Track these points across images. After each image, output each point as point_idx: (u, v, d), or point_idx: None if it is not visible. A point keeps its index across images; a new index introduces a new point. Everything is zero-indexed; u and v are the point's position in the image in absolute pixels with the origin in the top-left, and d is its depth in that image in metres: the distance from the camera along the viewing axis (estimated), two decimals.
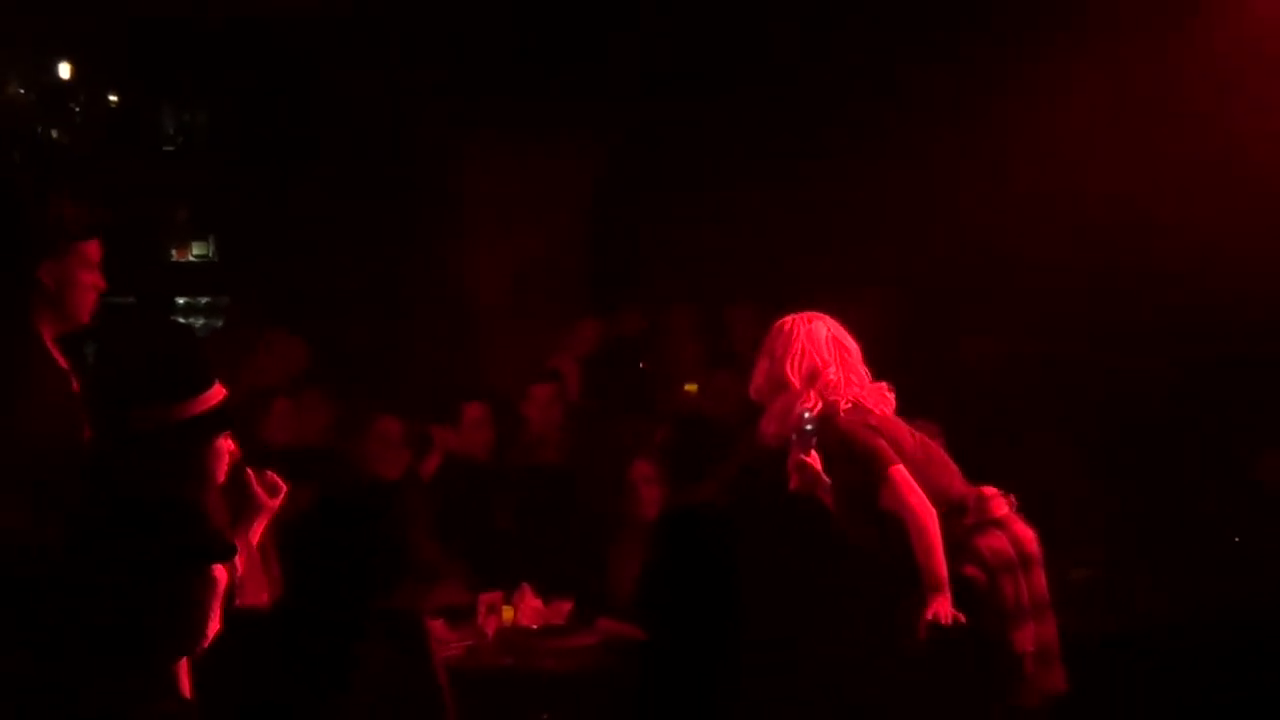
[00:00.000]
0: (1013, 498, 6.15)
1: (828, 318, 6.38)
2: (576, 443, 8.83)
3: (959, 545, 5.99)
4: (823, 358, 6.26)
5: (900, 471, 6.07)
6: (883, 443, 6.12)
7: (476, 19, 10.26)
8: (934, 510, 6.00)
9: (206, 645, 4.66)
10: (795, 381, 6.23)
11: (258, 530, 6.06)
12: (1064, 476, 7.95)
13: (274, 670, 4.60)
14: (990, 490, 6.13)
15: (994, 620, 5.89)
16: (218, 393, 5.64)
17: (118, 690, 4.64)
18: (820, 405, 6.16)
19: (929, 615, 5.83)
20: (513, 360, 9.81)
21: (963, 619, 5.81)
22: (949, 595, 5.87)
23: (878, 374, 6.48)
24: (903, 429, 6.23)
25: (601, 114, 10.65)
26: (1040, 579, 6.06)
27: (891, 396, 6.31)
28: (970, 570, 5.94)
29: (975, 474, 6.74)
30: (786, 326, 6.37)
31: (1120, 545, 7.72)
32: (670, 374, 9.43)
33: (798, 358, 6.28)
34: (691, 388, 9.24)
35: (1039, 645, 5.98)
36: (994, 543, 6.00)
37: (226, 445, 5.74)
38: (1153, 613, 7.25)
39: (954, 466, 6.25)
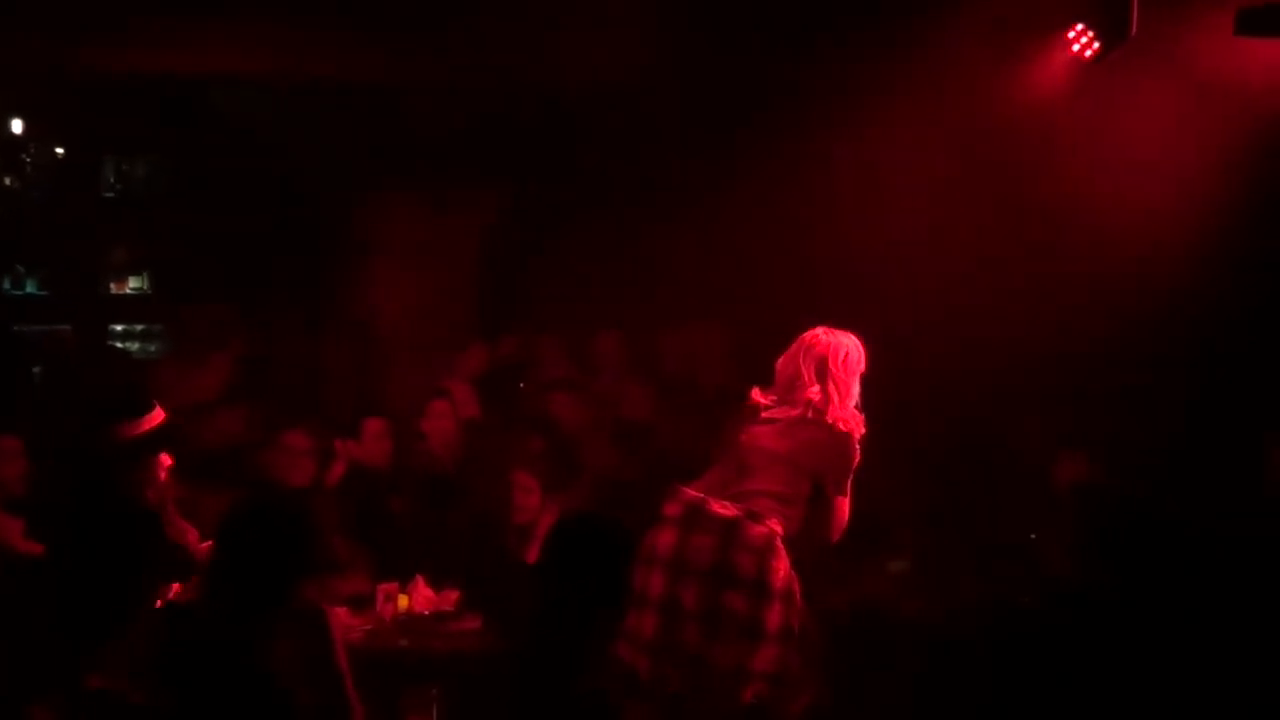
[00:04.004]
0: (723, 506, 5.73)
1: (818, 335, 5.96)
2: (465, 452, 8.76)
3: None
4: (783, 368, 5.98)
5: None
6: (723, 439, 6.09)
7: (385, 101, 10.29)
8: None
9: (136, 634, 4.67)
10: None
11: None
12: (882, 478, 7.94)
13: (192, 658, 4.55)
14: (684, 491, 5.85)
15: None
16: (157, 415, 5.67)
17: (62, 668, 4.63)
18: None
19: None
20: (411, 382, 9.80)
21: None
22: None
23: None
24: (751, 438, 5.89)
25: (486, 176, 10.69)
26: (690, 589, 5.64)
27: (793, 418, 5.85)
28: None
29: None
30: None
31: (931, 539, 7.60)
32: (543, 394, 9.42)
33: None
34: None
35: (653, 636, 5.64)
36: (656, 538, 5.73)
37: (165, 460, 5.75)
38: (960, 599, 7.09)
39: (750, 483, 5.83)
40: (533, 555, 7.25)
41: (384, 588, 7.17)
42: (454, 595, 7.27)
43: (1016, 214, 8.52)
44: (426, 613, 7.15)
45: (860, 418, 5.86)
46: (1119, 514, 5.79)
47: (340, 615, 6.58)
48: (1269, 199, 7.92)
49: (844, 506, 5.84)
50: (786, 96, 9.20)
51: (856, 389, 5.92)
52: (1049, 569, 6.91)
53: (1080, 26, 8.05)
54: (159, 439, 5.70)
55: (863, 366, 5.95)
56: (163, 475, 5.74)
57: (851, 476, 5.85)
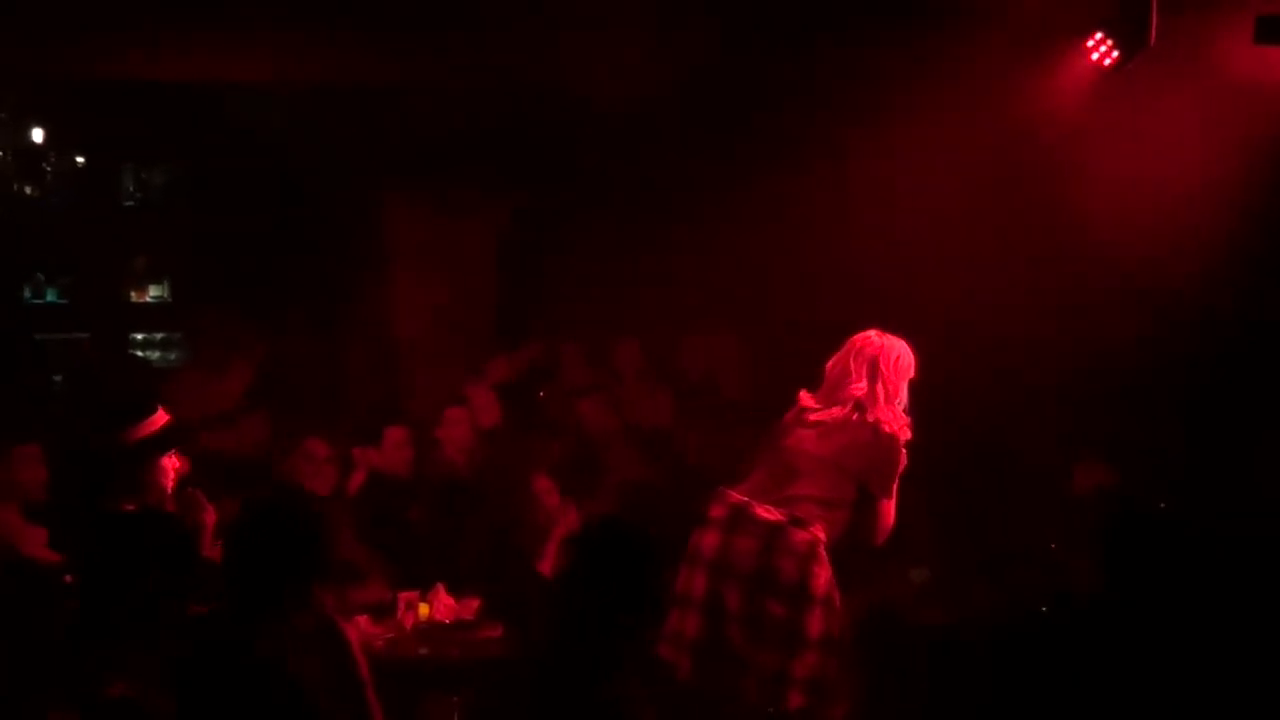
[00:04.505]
0: (765, 510, 5.71)
1: (870, 337, 5.95)
2: (485, 460, 8.72)
3: None
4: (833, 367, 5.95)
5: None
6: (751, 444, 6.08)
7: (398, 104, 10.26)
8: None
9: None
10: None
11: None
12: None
13: (202, 660, 4.52)
14: (728, 493, 5.83)
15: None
16: (160, 418, 5.66)
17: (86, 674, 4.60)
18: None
19: None
20: (430, 388, 9.79)
21: None
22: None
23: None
24: (796, 441, 5.86)
25: (503, 181, 10.66)
26: (733, 592, 5.64)
27: (834, 418, 5.82)
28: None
29: None
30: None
31: (953, 548, 7.58)
32: (564, 399, 9.41)
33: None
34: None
35: (696, 636, 5.65)
36: (700, 540, 5.75)
37: (171, 463, 5.74)
38: (981, 608, 7.04)
39: (795, 488, 5.77)
40: (549, 562, 7.26)
41: (405, 596, 7.16)
42: (475, 603, 7.27)
43: (1033, 221, 8.49)
44: (447, 621, 7.14)
45: (907, 421, 5.83)
46: (1140, 523, 5.77)
47: (361, 624, 6.60)
48: None
49: (889, 510, 5.80)
50: (794, 99, 9.17)
51: (905, 393, 5.89)
52: (1066, 576, 6.86)
53: (1100, 35, 8.00)
54: (163, 442, 5.67)
55: (912, 372, 5.92)
56: (168, 478, 5.73)
57: (897, 480, 5.81)
